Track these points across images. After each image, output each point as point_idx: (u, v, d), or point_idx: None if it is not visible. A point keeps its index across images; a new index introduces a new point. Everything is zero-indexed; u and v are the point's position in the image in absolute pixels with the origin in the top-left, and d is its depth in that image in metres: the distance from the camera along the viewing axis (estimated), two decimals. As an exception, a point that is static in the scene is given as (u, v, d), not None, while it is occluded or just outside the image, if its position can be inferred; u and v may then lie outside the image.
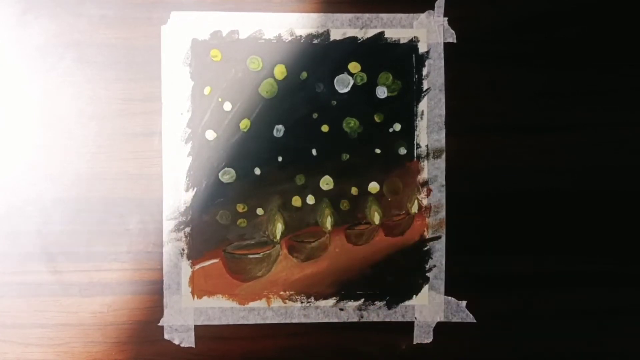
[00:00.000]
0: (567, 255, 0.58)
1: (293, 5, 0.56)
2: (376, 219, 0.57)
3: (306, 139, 0.57)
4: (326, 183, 0.57)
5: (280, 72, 0.56)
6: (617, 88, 0.58)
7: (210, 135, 0.56)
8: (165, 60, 0.56)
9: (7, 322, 0.56)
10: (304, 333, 0.57)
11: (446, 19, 0.57)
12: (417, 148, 0.57)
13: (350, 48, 0.57)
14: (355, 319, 0.58)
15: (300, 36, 0.56)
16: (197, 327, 0.56)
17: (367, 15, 0.57)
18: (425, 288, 0.58)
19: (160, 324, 0.56)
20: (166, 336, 0.56)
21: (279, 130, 0.56)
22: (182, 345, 0.56)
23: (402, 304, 0.58)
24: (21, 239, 0.56)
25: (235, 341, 0.57)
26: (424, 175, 0.57)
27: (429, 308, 0.58)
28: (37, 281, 0.56)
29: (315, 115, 0.57)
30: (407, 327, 0.58)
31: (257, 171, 0.56)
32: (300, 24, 0.56)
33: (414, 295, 0.58)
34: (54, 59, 0.55)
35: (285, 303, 0.57)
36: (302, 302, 0.57)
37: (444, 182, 0.57)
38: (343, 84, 0.57)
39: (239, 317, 0.57)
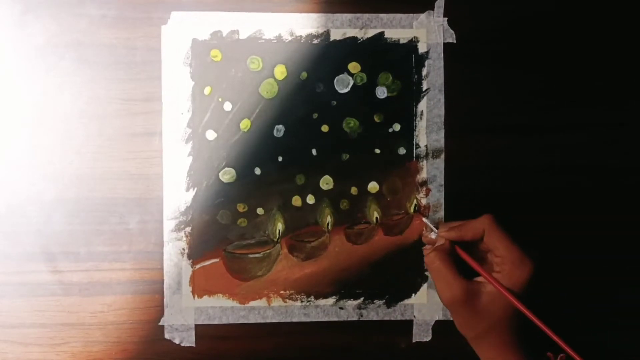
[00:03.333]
0: (568, 254, 0.58)
1: (293, 5, 0.57)
2: (375, 218, 0.57)
3: (306, 139, 0.57)
4: (326, 183, 0.57)
5: (280, 72, 0.56)
6: (617, 88, 0.58)
7: (211, 135, 0.56)
8: (166, 60, 0.56)
9: (7, 322, 0.56)
10: (304, 332, 0.57)
11: (446, 19, 0.57)
12: (416, 148, 0.57)
13: (350, 48, 0.57)
14: (355, 318, 0.58)
15: (300, 36, 0.57)
16: (197, 327, 0.57)
17: (367, 15, 0.57)
18: (424, 287, 0.58)
19: (160, 324, 0.56)
20: (167, 335, 0.56)
21: (279, 130, 0.57)
22: (182, 344, 0.56)
23: (401, 302, 0.58)
24: (21, 239, 0.55)
25: (235, 340, 0.57)
26: (423, 175, 0.58)
27: (427, 307, 0.58)
28: (37, 281, 0.56)
29: (315, 115, 0.57)
30: (406, 326, 0.58)
31: (258, 171, 0.56)
32: (300, 24, 0.56)
33: (413, 294, 0.58)
34: (54, 59, 0.55)
35: (285, 302, 0.57)
36: (302, 301, 0.57)
37: (442, 182, 0.58)
38: (343, 84, 0.57)
39: (240, 316, 0.57)
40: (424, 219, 0.56)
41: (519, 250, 0.49)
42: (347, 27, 0.57)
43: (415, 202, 0.58)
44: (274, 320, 0.57)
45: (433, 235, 0.55)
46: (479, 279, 0.50)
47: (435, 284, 0.51)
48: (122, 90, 0.56)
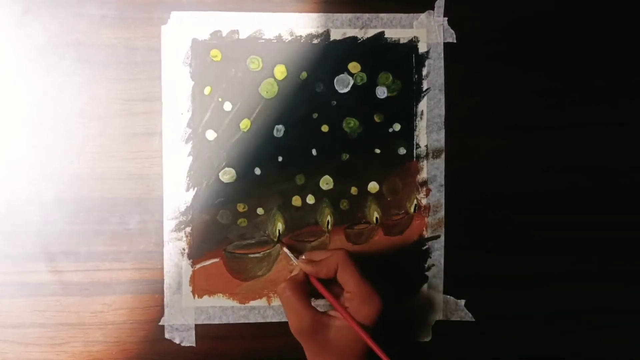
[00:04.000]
0: (568, 255, 0.59)
1: (293, 5, 0.57)
2: (375, 218, 0.57)
3: (306, 139, 0.57)
4: (326, 183, 0.57)
5: (280, 72, 0.56)
6: (617, 88, 0.58)
7: (211, 135, 0.56)
8: (166, 60, 0.56)
9: (7, 322, 0.56)
10: (304, 332, 0.57)
11: (446, 19, 0.57)
12: (416, 148, 0.57)
13: (350, 48, 0.57)
14: (355, 318, 0.58)
15: (300, 36, 0.56)
16: (197, 326, 0.57)
17: (367, 15, 0.57)
18: (425, 287, 0.58)
19: (161, 324, 0.56)
20: (167, 335, 0.56)
21: (279, 130, 0.57)
22: (182, 344, 0.57)
23: (402, 303, 0.58)
24: (21, 239, 0.55)
25: (235, 340, 0.57)
26: (423, 175, 0.58)
27: (428, 307, 0.58)
28: (37, 281, 0.56)
29: (315, 115, 0.57)
30: (407, 326, 0.58)
31: (257, 171, 0.56)
32: (300, 24, 0.56)
33: (413, 294, 0.58)
34: (54, 59, 0.55)
35: (285, 302, 0.57)
36: (302, 301, 0.57)
37: (443, 182, 0.58)
38: (343, 84, 0.57)
39: (240, 316, 0.57)
40: (285, 249, 0.55)
41: (369, 287, 0.48)
42: (347, 27, 0.57)
43: (415, 202, 0.58)
44: (274, 320, 0.57)
45: (292, 264, 0.55)
46: (331, 312, 0.50)
47: (285, 313, 0.50)
48: (122, 90, 0.56)
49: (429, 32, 0.57)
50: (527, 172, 0.58)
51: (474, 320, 0.58)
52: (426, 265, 0.58)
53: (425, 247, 0.58)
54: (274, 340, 0.57)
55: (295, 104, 0.57)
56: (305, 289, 0.50)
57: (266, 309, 0.57)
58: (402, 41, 0.57)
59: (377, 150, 0.57)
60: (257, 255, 0.57)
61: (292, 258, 0.55)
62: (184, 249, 0.56)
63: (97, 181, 0.56)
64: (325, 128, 0.57)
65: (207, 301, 0.57)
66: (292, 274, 0.52)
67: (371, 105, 0.57)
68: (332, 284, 0.51)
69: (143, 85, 0.56)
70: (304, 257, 0.53)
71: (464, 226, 0.58)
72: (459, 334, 0.58)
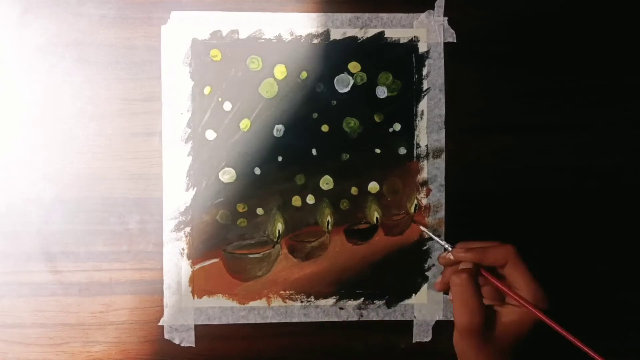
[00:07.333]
0: (567, 255, 0.58)
1: (293, 5, 0.57)
2: (376, 218, 0.57)
3: (306, 139, 0.57)
4: (326, 183, 0.57)
5: (280, 72, 0.56)
6: (617, 88, 0.58)
7: (210, 135, 0.56)
8: (165, 60, 0.56)
9: (7, 322, 0.56)
10: (304, 332, 0.57)
11: (446, 18, 0.57)
12: (416, 148, 0.57)
13: (350, 48, 0.57)
14: (355, 318, 0.58)
15: (300, 36, 0.56)
16: (197, 327, 0.57)
17: (367, 15, 0.57)
18: (425, 287, 0.58)
19: (160, 324, 0.56)
20: (166, 336, 0.56)
21: (279, 130, 0.56)
22: (182, 344, 0.56)
23: (402, 303, 0.58)
24: (21, 239, 0.55)
25: (235, 340, 0.57)
26: (423, 175, 0.58)
27: (428, 307, 0.58)
28: (37, 281, 0.56)
29: (315, 115, 0.57)
30: (407, 326, 0.58)
31: (257, 171, 0.56)
32: (300, 24, 0.56)
33: (413, 294, 0.58)
34: (54, 59, 0.55)
35: (285, 302, 0.57)
36: (302, 302, 0.57)
37: (443, 182, 0.58)
38: (343, 84, 0.57)
39: (239, 316, 0.57)
40: (438, 239, 0.54)
41: (539, 288, 0.47)
42: (347, 26, 0.57)
43: (415, 202, 0.57)
44: (273, 321, 0.57)
45: (450, 256, 0.51)
46: (496, 307, 0.49)
47: (456, 307, 0.47)
48: (122, 90, 0.56)
49: (429, 32, 0.57)
50: (527, 172, 0.58)
51: (474, 320, 0.58)
52: (426, 266, 0.58)
53: (425, 247, 0.58)
54: (274, 341, 0.57)
55: (295, 104, 0.56)
56: (477, 282, 0.48)
57: (266, 309, 0.57)
58: (402, 41, 0.57)
59: (377, 150, 0.57)
60: (256, 255, 0.57)
61: (446, 246, 0.53)
62: (183, 249, 0.56)
63: (97, 181, 0.56)
64: (325, 128, 0.57)
65: (206, 301, 0.56)
66: (463, 266, 0.49)
67: (371, 105, 0.57)
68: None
69: (143, 85, 0.56)
70: (457, 245, 0.51)
71: (465, 226, 0.58)
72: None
